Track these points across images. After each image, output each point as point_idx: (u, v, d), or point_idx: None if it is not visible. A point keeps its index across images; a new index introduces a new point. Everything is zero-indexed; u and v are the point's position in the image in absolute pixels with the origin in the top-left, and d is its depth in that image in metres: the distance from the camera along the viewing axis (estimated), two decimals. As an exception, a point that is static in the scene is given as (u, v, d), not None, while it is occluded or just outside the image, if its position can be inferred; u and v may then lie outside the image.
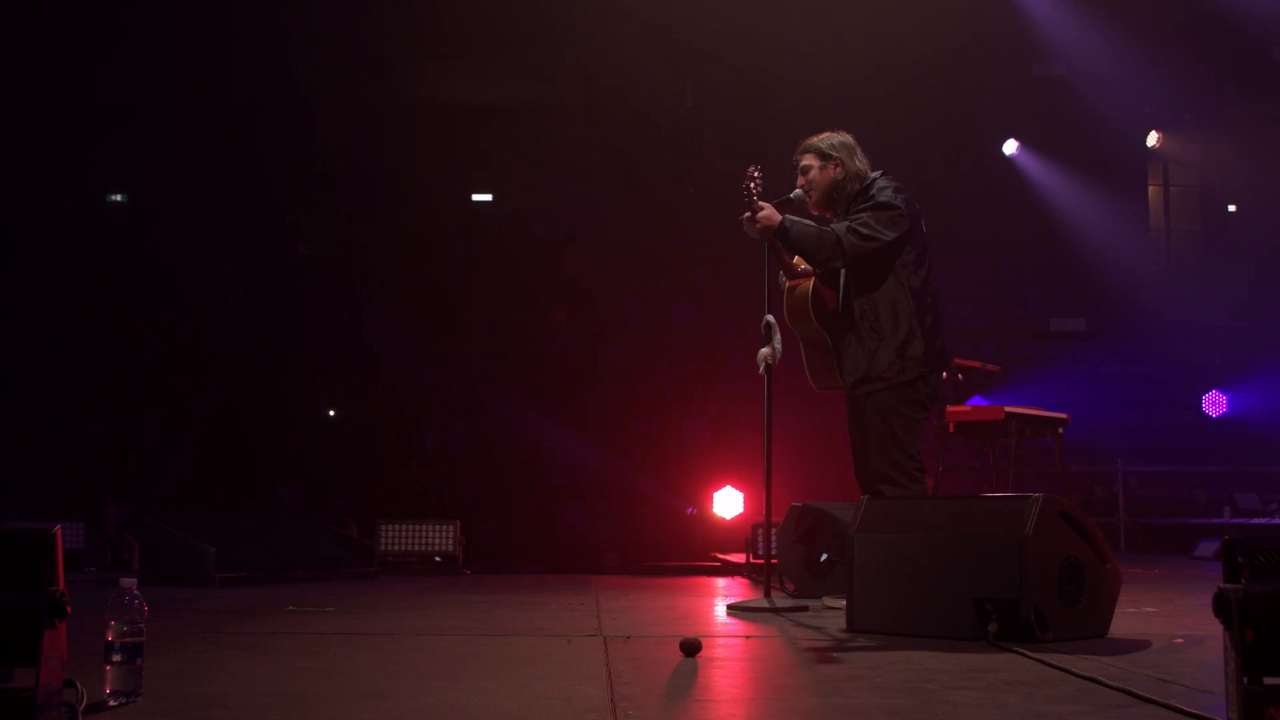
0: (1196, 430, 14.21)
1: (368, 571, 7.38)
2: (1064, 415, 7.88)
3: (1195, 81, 14.09)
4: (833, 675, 3.06)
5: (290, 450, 12.50)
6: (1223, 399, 14.63)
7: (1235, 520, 11.04)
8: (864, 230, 4.61)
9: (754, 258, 5.01)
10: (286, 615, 4.78)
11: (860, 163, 4.85)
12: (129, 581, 2.57)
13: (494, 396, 12.82)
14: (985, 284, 14.69)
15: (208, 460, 12.19)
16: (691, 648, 3.32)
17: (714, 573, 8.17)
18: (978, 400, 10.29)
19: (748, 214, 4.67)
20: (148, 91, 12.72)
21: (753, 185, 4.67)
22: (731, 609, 4.87)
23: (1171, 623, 4.34)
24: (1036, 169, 14.66)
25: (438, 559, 7.89)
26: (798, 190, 4.93)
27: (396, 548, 7.91)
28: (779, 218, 4.65)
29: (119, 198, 14.08)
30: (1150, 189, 15.83)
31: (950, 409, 7.69)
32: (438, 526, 7.97)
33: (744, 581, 7.15)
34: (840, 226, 4.65)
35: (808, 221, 4.70)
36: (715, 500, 10.50)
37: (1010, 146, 14.74)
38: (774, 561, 5.80)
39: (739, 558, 7.89)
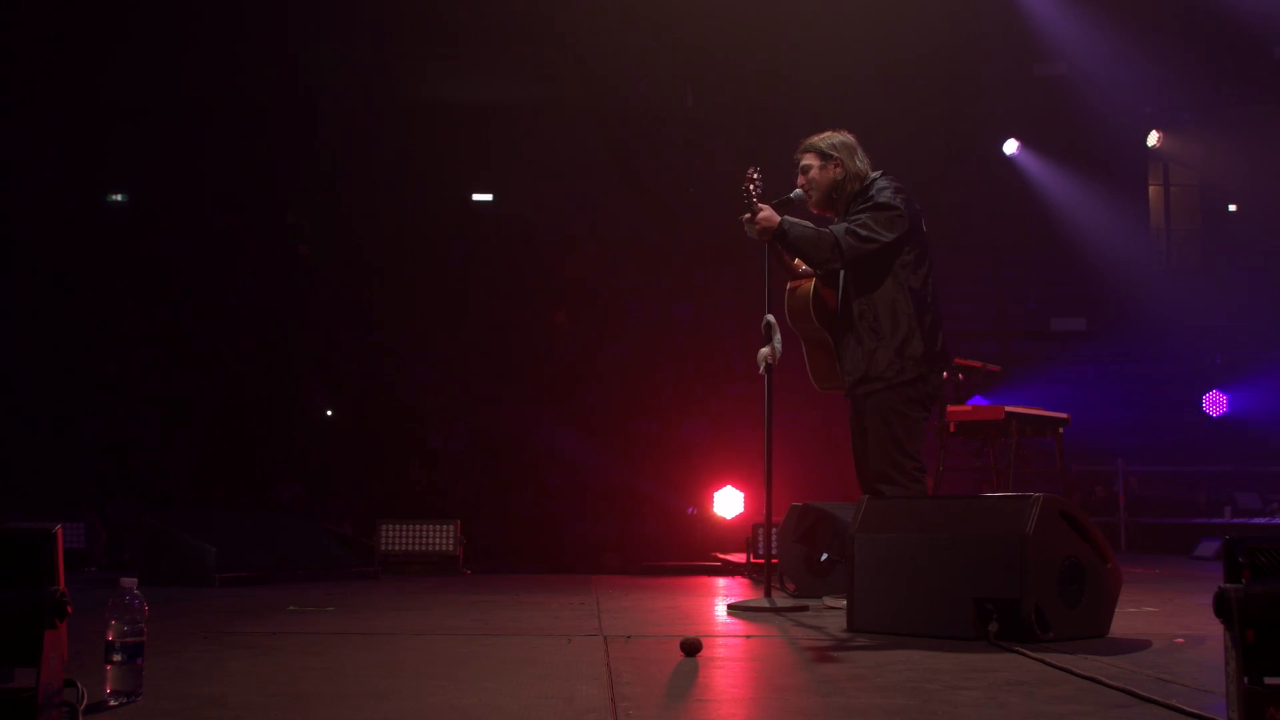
0: (1197, 430, 14.20)
1: (368, 571, 7.38)
2: (1064, 415, 7.88)
3: (1195, 81, 14.08)
4: (833, 675, 3.06)
5: (291, 450, 12.49)
6: (1223, 399, 14.62)
7: (1236, 520, 11.03)
8: (863, 232, 4.61)
9: (754, 258, 5.01)
10: (287, 615, 4.78)
11: (860, 163, 4.86)
12: (129, 581, 2.57)
13: (494, 396, 12.82)
14: (985, 284, 14.68)
15: (208, 460, 12.18)
16: (692, 647, 3.32)
17: (714, 572, 8.17)
18: (978, 400, 10.29)
19: (747, 215, 4.68)
20: (148, 91, 12.71)
21: (752, 187, 4.68)
22: (732, 609, 4.87)
23: (1172, 622, 4.34)
24: (1037, 169, 14.65)
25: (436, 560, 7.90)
26: (798, 190, 4.94)
27: (397, 548, 7.90)
28: (778, 219, 4.66)
29: (119, 197, 14.07)
30: (1151, 189, 15.82)
31: (950, 409, 7.69)
32: (438, 526, 7.97)
33: (744, 581, 7.15)
34: (839, 228, 4.65)
35: (806, 223, 4.70)
36: (716, 500, 10.50)
37: (1010, 146, 14.73)
38: (774, 561, 5.80)
39: (739, 557, 7.89)
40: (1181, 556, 9.71)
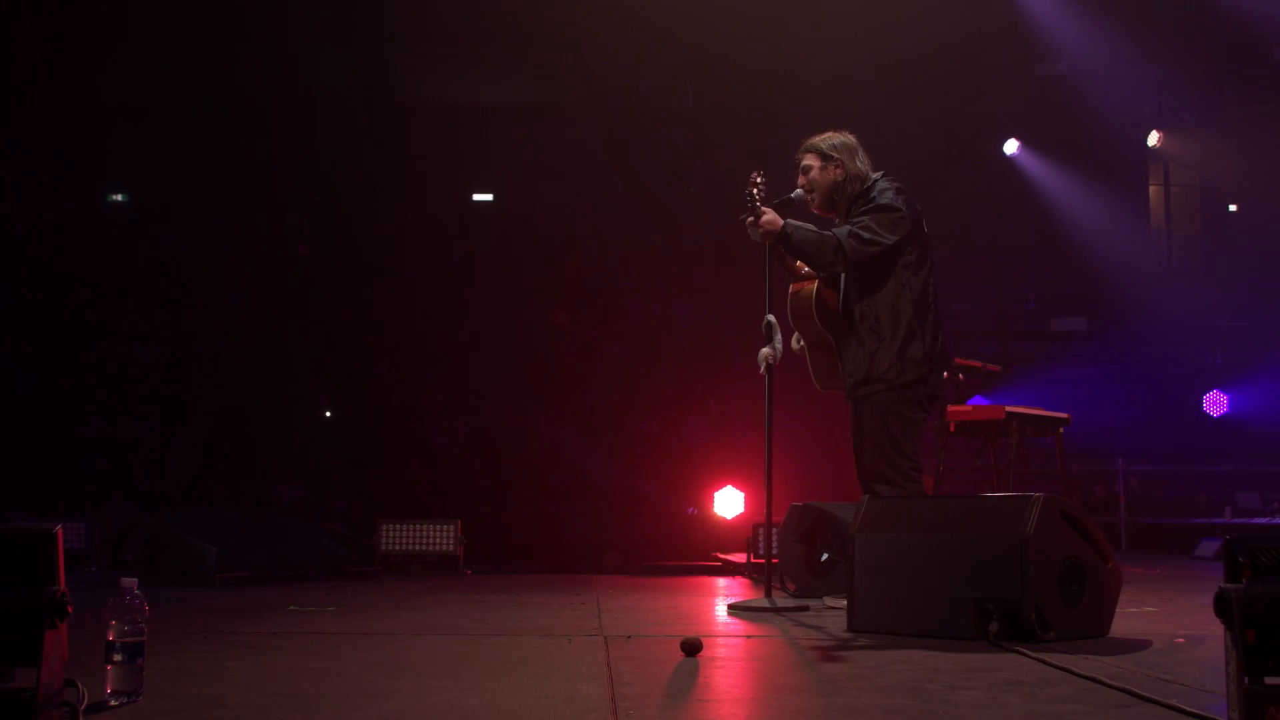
0: (1197, 430, 14.19)
1: (369, 571, 7.38)
2: (1065, 415, 7.89)
3: (1195, 81, 14.08)
4: (834, 675, 3.06)
5: (291, 450, 12.48)
6: (1224, 399, 14.62)
7: (1236, 520, 11.03)
8: (865, 234, 4.62)
9: (755, 257, 5.02)
10: (287, 615, 4.78)
11: (861, 164, 4.85)
12: (130, 581, 2.57)
13: (495, 396, 12.81)
14: (985, 284, 14.67)
15: (209, 460, 12.18)
16: (692, 647, 3.32)
17: (715, 572, 8.17)
18: (979, 400, 10.29)
19: (750, 219, 4.68)
20: (149, 91, 12.72)
21: (755, 191, 4.69)
22: (732, 609, 4.87)
23: (1172, 622, 4.34)
24: (1037, 168, 14.65)
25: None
26: (798, 190, 4.94)
27: (397, 548, 7.90)
28: (780, 223, 4.66)
29: (119, 197, 14.07)
30: (1151, 188, 15.82)
31: (951, 408, 7.69)
32: (438, 526, 7.97)
33: (745, 581, 7.15)
34: (842, 231, 4.65)
35: (809, 226, 4.70)
36: (716, 500, 10.50)
37: (1011, 146, 14.73)
38: (775, 561, 5.80)
39: (740, 557, 7.89)
40: (1182, 556, 9.71)
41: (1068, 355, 14.74)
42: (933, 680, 2.87)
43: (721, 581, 7.28)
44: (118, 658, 2.51)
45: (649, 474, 11.77)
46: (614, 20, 12.10)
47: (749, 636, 3.97)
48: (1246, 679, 2.08)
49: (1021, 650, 3.34)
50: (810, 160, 4.90)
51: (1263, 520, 10.70)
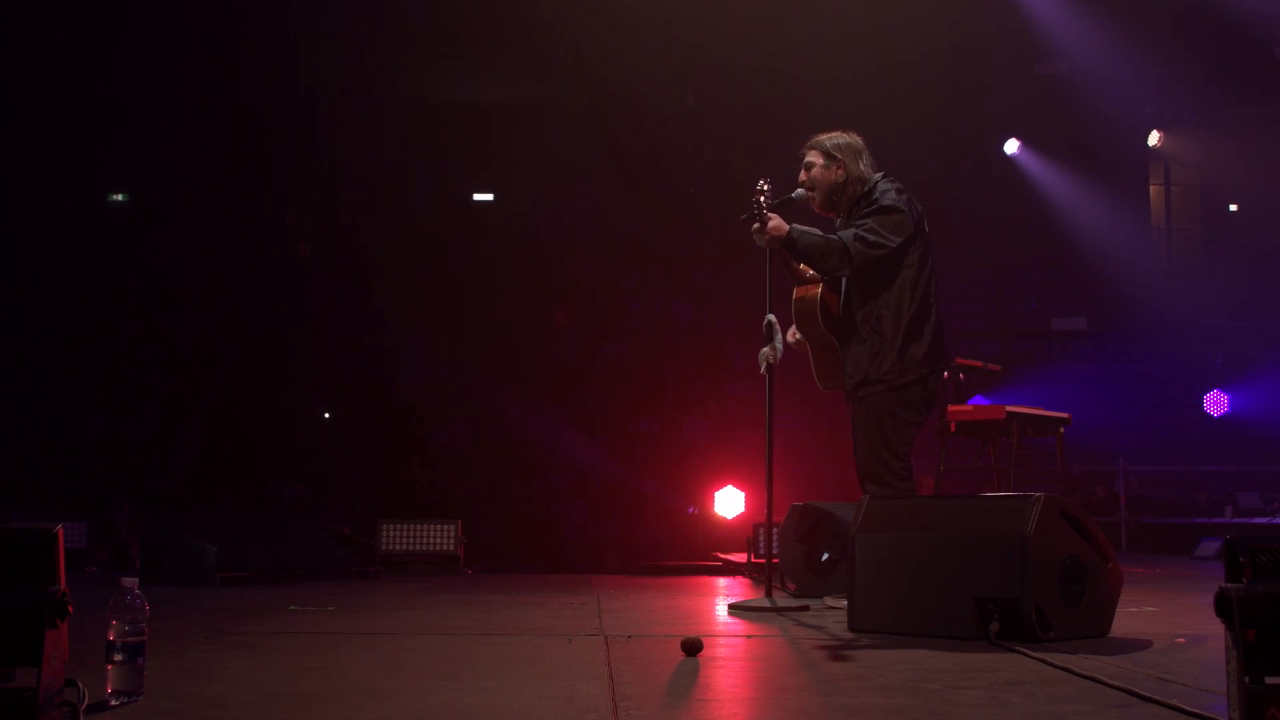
0: (1198, 430, 14.19)
1: (369, 571, 7.38)
2: (1065, 415, 7.88)
3: (1195, 81, 14.09)
4: (834, 675, 3.06)
5: (291, 450, 12.48)
6: (1224, 398, 14.62)
7: (1236, 520, 11.02)
8: (871, 238, 4.62)
9: (755, 257, 5.02)
10: (288, 615, 4.78)
11: (864, 166, 4.85)
12: (130, 581, 2.57)
13: (495, 396, 12.80)
14: (986, 284, 14.68)
15: (209, 460, 12.17)
16: (693, 647, 3.32)
17: (715, 572, 8.17)
18: (979, 400, 10.29)
19: (756, 225, 4.68)
20: (149, 91, 12.72)
21: (762, 198, 4.69)
22: (733, 608, 4.87)
23: (1173, 622, 4.34)
24: (1038, 168, 14.65)
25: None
26: (799, 190, 4.94)
27: (397, 547, 7.90)
28: (786, 228, 4.66)
29: (120, 197, 14.07)
30: (1151, 188, 15.82)
31: (951, 408, 7.69)
32: (439, 526, 7.97)
33: (745, 581, 7.15)
34: (847, 234, 4.66)
35: (815, 231, 4.71)
36: (716, 500, 10.50)
37: (1011, 146, 14.73)
38: (775, 561, 5.80)
39: (740, 557, 7.89)
40: (1182, 556, 9.71)
41: (1068, 355, 14.75)
42: (933, 680, 2.87)
43: (722, 581, 7.28)
44: (118, 657, 2.51)
45: (649, 474, 11.77)
46: (614, 20, 12.10)
47: (749, 636, 3.97)
48: (1247, 679, 2.08)
49: (1022, 650, 3.35)
50: (813, 157, 4.90)
51: (1263, 520, 10.70)
